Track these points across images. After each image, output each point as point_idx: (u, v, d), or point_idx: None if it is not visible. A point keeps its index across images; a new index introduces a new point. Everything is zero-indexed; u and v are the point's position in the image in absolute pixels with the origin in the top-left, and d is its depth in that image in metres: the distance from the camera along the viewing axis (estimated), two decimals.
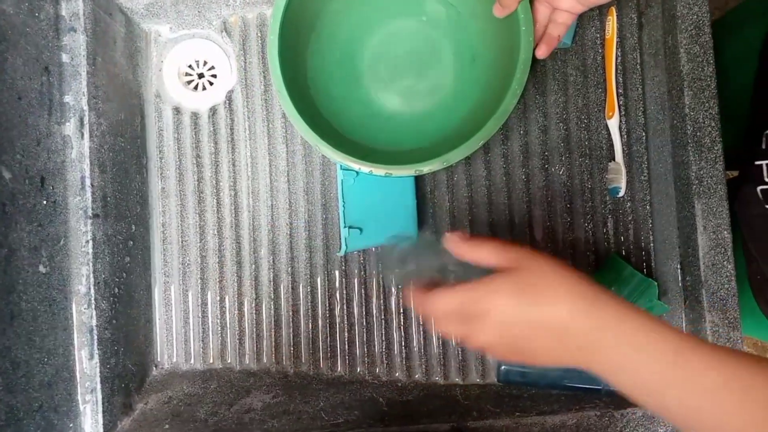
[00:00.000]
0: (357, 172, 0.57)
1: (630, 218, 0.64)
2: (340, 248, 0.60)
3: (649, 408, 0.39)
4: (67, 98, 0.60)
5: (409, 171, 0.55)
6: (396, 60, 0.63)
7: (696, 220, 0.59)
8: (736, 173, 0.69)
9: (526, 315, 0.39)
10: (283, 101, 0.55)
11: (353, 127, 0.62)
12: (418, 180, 0.64)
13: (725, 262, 0.59)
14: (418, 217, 0.63)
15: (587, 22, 0.64)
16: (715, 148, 0.59)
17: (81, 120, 0.60)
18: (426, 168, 0.54)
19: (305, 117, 0.55)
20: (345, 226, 0.59)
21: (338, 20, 0.62)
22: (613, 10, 0.63)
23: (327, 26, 0.62)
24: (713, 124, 0.59)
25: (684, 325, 0.62)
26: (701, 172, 0.59)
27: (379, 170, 0.55)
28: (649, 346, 0.38)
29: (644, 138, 0.64)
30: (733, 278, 0.58)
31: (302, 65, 0.61)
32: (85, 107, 0.60)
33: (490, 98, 0.58)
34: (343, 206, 0.59)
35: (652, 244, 0.65)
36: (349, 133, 0.61)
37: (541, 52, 0.57)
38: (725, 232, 0.59)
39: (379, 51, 0.63)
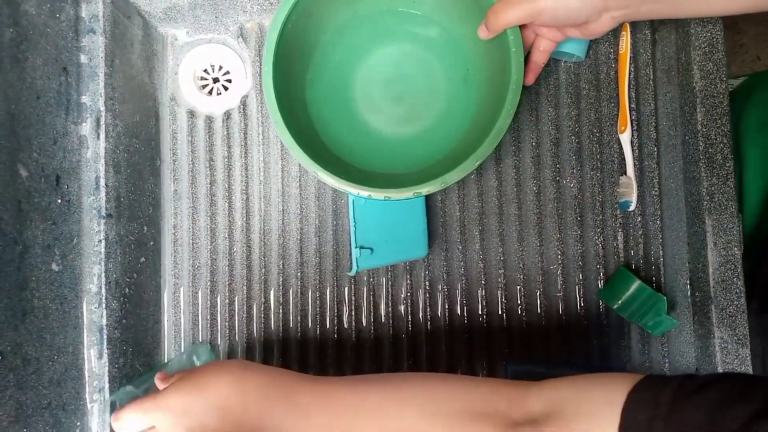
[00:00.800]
0: (374, 198, 0.58)
1: (640, 232, 0.65)
2: (350, 268, 0.61)
3: None
4: (85, 99, 0.60)
5: (407, 194, 0.56)
6: (389, 83, 0.65)
7: (706, 236, 0.59)
8: None
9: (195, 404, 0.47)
10: (278, 129, 0.56)
11: (351, 152, 0.63)
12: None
13: (735, 279, 0.59)
14: (429, 233, 0.63)
15: (601, 37, 0.64)
16: (727, 164, 0.59)
17: (97, 120, 0.60)
18: (425, 190, 0.55)
19: (302, 144, 0.56)
20: (357, 246, 0.59)
21: (329, 50, 0.63)
22: (627, 26, 0.63)
23: (320, 54, 0.63)
24: (725, 141, 0.59)
25: (693, 340, 0.62)
26: (712, 188, 0.59)
27: (378, 194, 0.56)
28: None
29: (656, 153, 0.64)
30: (742, 295, 0.59)
31: (299, 93, 0.62)
32: (102, 108, 0.60)
33: (484, 118, 0.59)
34: (355, 226, 0.59)
35: (661, 259, 0.65)
36: (347, 157, 0.63)
37: (528, 80, 0.59)
38: (735, 249, 0.59)
39: (372, 75, 0.65)
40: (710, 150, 0.60)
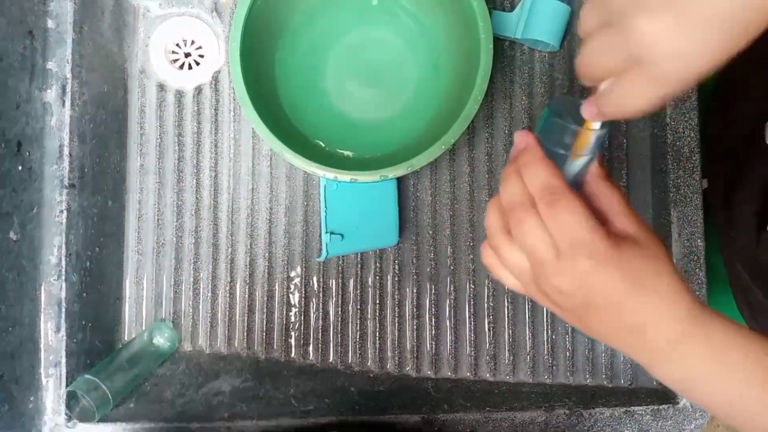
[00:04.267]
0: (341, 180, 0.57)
1: None
2: (320, 254, 0.60)
3: (719, 418, 0.37)
4: (51, 65, 0.59)
5: (374, 177, 0.56)
6: (358, 67, 0.64)
7: (671, 227, 0.61)
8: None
9: (620, 291, 0.35)
10: (244, 106, 0.55)
11: (319, 134, 0.63)
12: (402, 177, 0.65)
13: (697, 270, 0.60)
14: (400, 220, 0.63)
15: (576, 28, 0.65)
16: (693, 158, 0.61)
17: (63, 88, 0.58)
18: (391, 174, 0.55)
19: (269, 123, 0.56)
20: (327, 232, 0.59)
21: (301, 30, 0.63)
22: None
23: (291, 35, 0.62)
24: (692, 135, 0.61)
25: None
26: (679, 181, 0.61)
27: (345, 176, 0.55)
28: (739, 366, 0.35)
29: (625, 145, 0.65)
30: (704, 285, 0.60)
31: (268, 72, 0.62)
32: (69, 75, 0.59)
33: (452, 104, 0.59)
34: (326, 211, 0.59)
35: None
36: (315, 138, 0.62)
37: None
38: (699, 241, 0.60)
39: (342, 59, 0.64)
40: (678, 143, 0.61)
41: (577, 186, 0.38)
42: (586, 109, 0.36)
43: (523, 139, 0.39)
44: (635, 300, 0.35)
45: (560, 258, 0.35)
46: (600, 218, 0.36)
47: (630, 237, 0.36)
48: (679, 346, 0.35)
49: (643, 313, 0.35)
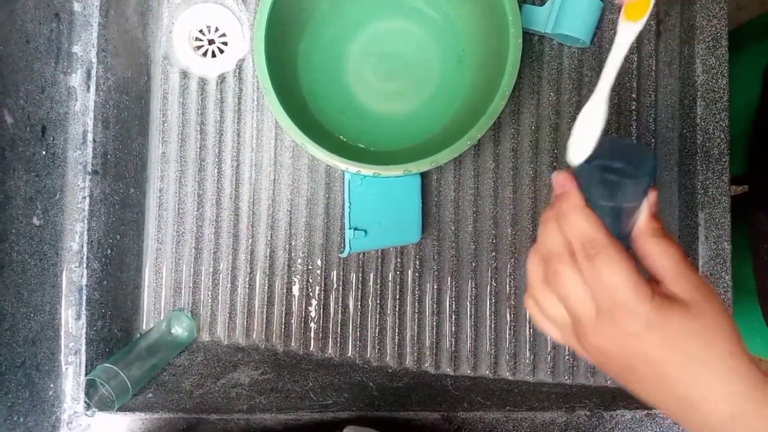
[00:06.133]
0: (364, 174, 0.56)
1: None
2: (342, 250, 0.60)
3: None
4: (76, 48, 0.58)
5: (397, 171, 0.55)
6: (382, 60, 0.63)
7: (698, 229, 0.60)
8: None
9: (662, 360, 0.32)
10: (268, 97, 0.55)
11: (341, 127, 0.62)
12: (425, 172, 0.64)
13: (723, 273, 0.60)
14: (423, 217, 0.63)
15: (607, 24, 0.64)
16: (723, 159, 0.60)
17: (88, 72, 0.58)
18: (415, 168, 0.55)
19: (292, 115, 0.55)
20: (350, 228, 0.58)
21: (324, 20, 0.62)
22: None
23: (314, 26, 0.62)
24: (723, 136, 0.60)
25: None
26: (707, 183, 0.60)
27: (368, 170, 0.55)
28: None
29: (653, 144, 0.64)
30: (730, 289, 0.59)
31: (291, 62, 0.61)
32: (94, 59, 0.58)
33: (476, 99, 0.58)
34: (350, 207, 0.58)
35: None
36: (337, 131, 0.61)
37: None
38: (725, 243, 0.60)
39: (365, 50, 0.63)
40: (707, 144, 0.60)
41: (624, 238, 0.36)
42: None
43: (560, 182, 0.37)
44: (680, 371, 0.32)
45: (599, 316, 0.33)
46: (653, 277, 0.34)
47: (682, 301, 0.33)
48: (731, 426, 0.32)
49: (691, 386, 0.32)
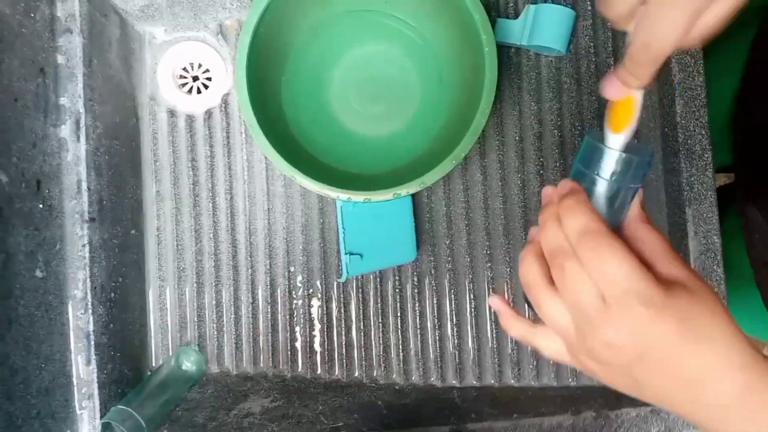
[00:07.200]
0: (355, 201, 0.58)
1: None
2: (340, 275, 0.61)
3: None
4: (63, 100, 0.59)
5: (387, 195, 0.56)
6: (363, 84, 0.65)
7: (687, 225, 0.61)
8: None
9: (676, 342, 0.33)
10: (254, 134, 0.56)
11: (328, 154, 0.63)
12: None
13: (715, 266, 0.61)
14: (416, 234, 0.64)
15: (581, 31, 0.65)
16: (705, 155, 0.61)
17: (77, 122, 0.59)
18: (404, 191, 0.56)
19: (279, 149, 0.56)
20: (346, 253, 0.59)
21: (305, 50, 0.63)
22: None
23: (295, 56, 0.63)
24: (703, 132, 0.61)
25: None
26: (692, 179, 0.61)
27: (358, 197, 0.56)
28: None
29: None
30: (723, 282, 0.60)
31: (275, 96, 0.62)
32: (81, 110, 0.59)
33: (459, 117, 0.60)
34: (344, 232, 0.59)
35: None
36: (325, 159, 0.63)
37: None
38: (715, 237, 0.61)
39: (346, 76, 0.65)
40: (689, 141, 0.61)
41: (615, 229, 0.37)
42: (609, 86, 0.36)
43: (568, 185, 0.38)
44: (692, 351, 0.32)
45: (609, 308, 0.33)
46: (643, 263, 0.34)
47: (679, 282, 0.34)
48: (745, 400, 0.32)
49: (702, 365, 0.33)
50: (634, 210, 0.38)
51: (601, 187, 0.37)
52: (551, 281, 0.36)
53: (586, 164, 0.38)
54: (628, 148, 0.37)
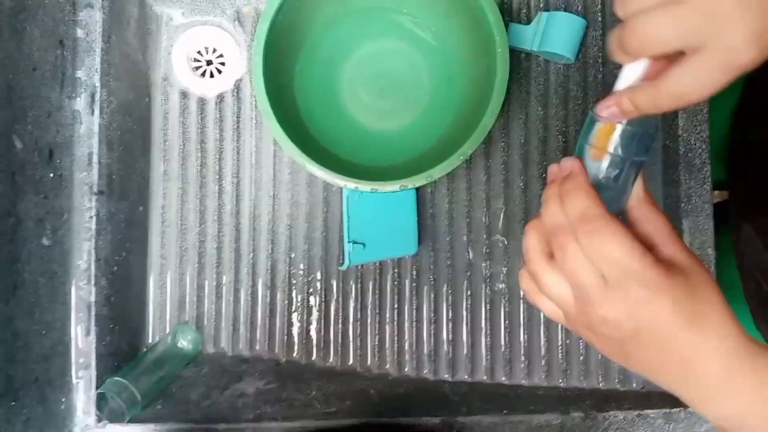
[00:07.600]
0: (362, 190, 0.59)
1: None
2: (341, 263, 0.62)
3: None
4: (80, 73, 0.60)
5: (394, 186, 0.57)
6: (374, 78, 0.66)
7: (683, 236, 0.62)
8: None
9: (671, 322, 0.34)
10: (267, 120, 0.57)
11: (337, 144, 0.64)
12: (420, 186, 0.66)
13: None
14: (419, 229, 0.66)
15: (591, 41, 0.66)
16: (705, 169, 0.63)
17: (92, 96, 0.60)
18: (410, 184, 0.57)
19: (290, 135, 0.57)
20: (349, 241, 0.60)
21: (318, 43, 0.65)
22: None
23: (309, 47, 0.64)
24: (704, 147, 0.63)
25: None
26: (690, 191, 0.62)
27: (365, 186, 0.57)
28: None
29: None
30: None
31: (288, 84, 0.64)
32: (97, 83, 0.60)
33: (467, 115, 0.61)
34: (348, 221, 0.60)
35: None
36: (334, 149, 0.64)
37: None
38: (710, 249, 0.62)
39: (358, 70, 0.66)
40: (690, 155, 0.63)
41: (620, 211, 0.38)
42: (605, 109, 0.37)
43: (569, 164, 0.39)
44: (686, 331, 0.34)
45: (608, 286, 0.34)
46: (645, 244, 0.35)
47: (678, 265, 0.35)
48: (728, 382, 0.34)
49: (693, 345, 0.34)
50: (638, 191, 0.39)
51: (605, 161, 0.38)
52: (551, 256, 0.38)
53: (589, 139, 0.39)
54: (631, 121, 0.38)
